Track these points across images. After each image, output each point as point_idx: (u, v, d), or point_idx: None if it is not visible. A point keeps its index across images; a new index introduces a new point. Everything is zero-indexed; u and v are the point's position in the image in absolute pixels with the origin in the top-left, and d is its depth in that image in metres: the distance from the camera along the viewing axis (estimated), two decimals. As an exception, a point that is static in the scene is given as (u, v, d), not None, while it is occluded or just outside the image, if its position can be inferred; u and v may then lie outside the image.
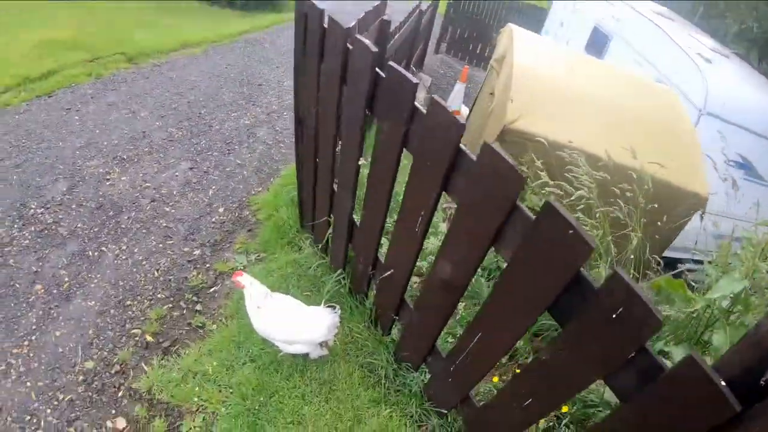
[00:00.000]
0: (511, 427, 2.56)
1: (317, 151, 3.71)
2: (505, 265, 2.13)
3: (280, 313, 3.30)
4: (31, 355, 3.64)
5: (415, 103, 2.40)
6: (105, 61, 8.15)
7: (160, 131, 6.37)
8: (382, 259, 3.31)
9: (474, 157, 2.10)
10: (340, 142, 3.34)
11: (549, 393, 2.21)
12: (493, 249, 2.20)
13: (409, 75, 2.37)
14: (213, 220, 5.08)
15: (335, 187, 3.65)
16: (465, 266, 2.39)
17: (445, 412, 3.13)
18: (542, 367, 2.15)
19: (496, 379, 3.42)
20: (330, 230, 3.98)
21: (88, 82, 7.42)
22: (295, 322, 3.27)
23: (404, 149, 2.61)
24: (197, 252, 4.68)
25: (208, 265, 4.55)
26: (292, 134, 6.45)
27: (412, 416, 3.27)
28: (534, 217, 1.87)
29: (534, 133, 4.11)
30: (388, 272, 3.16)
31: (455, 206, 2.33)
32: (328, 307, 3.33)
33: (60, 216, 4.82)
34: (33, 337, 3.75)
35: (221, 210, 5.22)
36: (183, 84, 7.66)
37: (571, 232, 1.67)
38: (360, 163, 3.11)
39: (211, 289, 4.32)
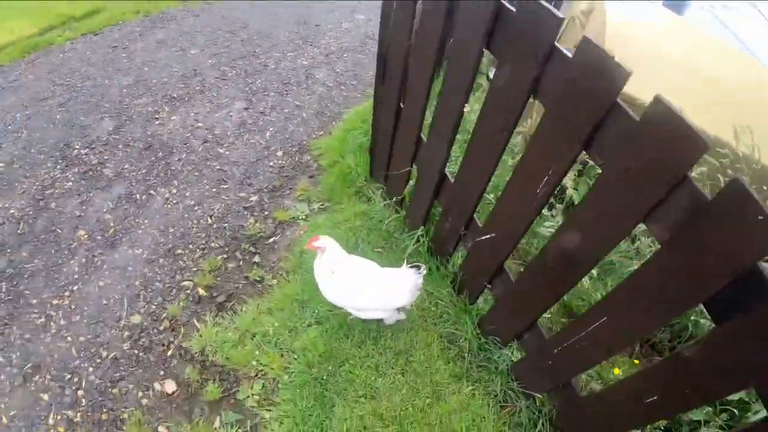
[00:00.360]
0: (619, 424, 2.29)
1: (402, 93, 3.25)
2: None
3: (357, 278, 2.88)
4: (73, 306, 3.34)
5: (557, 43, 1.94)
6: (154, -1, 7.77)
7: (212, 69, 5.95)
8: (478, 220, 2.91)
9: (636, 116, 1.69)
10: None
11: (684, 394, 1.90)
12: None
13: (552, 8, 1.88)
14: (271, 164, 4.65)
15: (422, 135, 3.21)
16: (602, 240, 2.00)
17: (538, 396, 2.79)
18: (683, 365, 1.83)
19: (617, 370, 3.01)
20: (411, 183, 3.56)
21: (136, 19, 7.05)
22: (375, 288, 2.85)
23: (532, 97, 2.17)
24: (254, 198, 4.27)
25: (266, 213, 4.13)
26: (353, 77, 6.19)
27: (495, 395, 2.89)
28: (709, 195, 1.53)
29: (632, 96, 3.58)
30: (488, 236, 2.72)
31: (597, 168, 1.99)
32: (412, 266, 2.87)
33: (105, 157, 4.48)
34: (75, 287, 3.45)
35: (279, 154, 4.79)
36: (235, 22, 7.17)
37: (760, 218, 1.36)
38: (465, 110, 2.62)
39: (270, 240, 3.91)
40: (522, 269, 2.62)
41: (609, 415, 2.32)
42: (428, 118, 3.01)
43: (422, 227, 3.51)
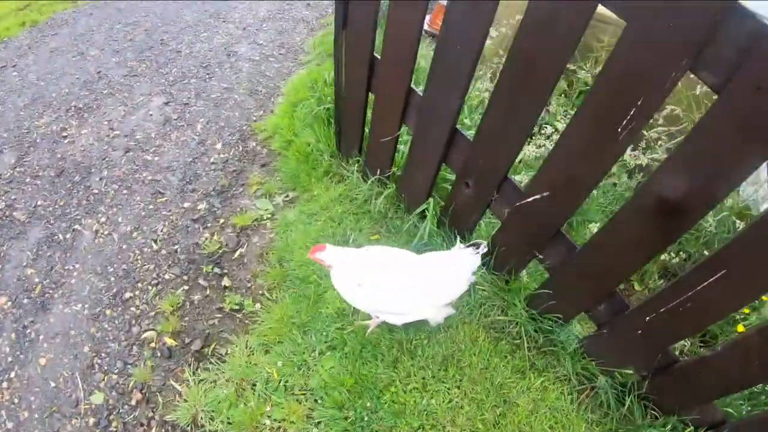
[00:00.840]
0: (732, 385, 1.92)
1: (374, 35, 2.47)
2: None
3: (395, 276, 2.12)
4: (16, 401, 2.44)
5: None
6: (39, 5, 6.61)
7: (118, 68, 4.88)
8: (514, 179, 2.22)
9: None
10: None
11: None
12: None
13: None
14: (211, 160, 3.73)
15: (413, 86, 2.42)
16: (715, 183, 1.49)
17: (631, 371, 2.27)
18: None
19: (741, 327, 2.46)
20: (401, 149, 2.88)
21: (22, 32, 5.89)
22: (422, 282, 2.11)
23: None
24: (202, 206, 3.36)
25: (221, 221, 3.24)
26: (280, 46, 5.26)
27: (569, 381, 2.32)
28: None
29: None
30: (538, 196, 2.04)
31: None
32: (468, 246, 2.17)
33: (12, 197, 3.45)
34: (11, 375, 2.54)
35: (218, 146, 3.86)
36: (135, 12, 6.10)
37: None
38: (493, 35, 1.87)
39: (236, 253, 3.03)
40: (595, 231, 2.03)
41: (720, 377, 1.91)
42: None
43: (428, 200, 2.71)
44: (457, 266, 2.12)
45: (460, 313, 2.45)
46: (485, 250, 2.16)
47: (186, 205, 3.36)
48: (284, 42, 5.34)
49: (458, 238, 2.35)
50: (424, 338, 2.37)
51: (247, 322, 2.65)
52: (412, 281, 2.11)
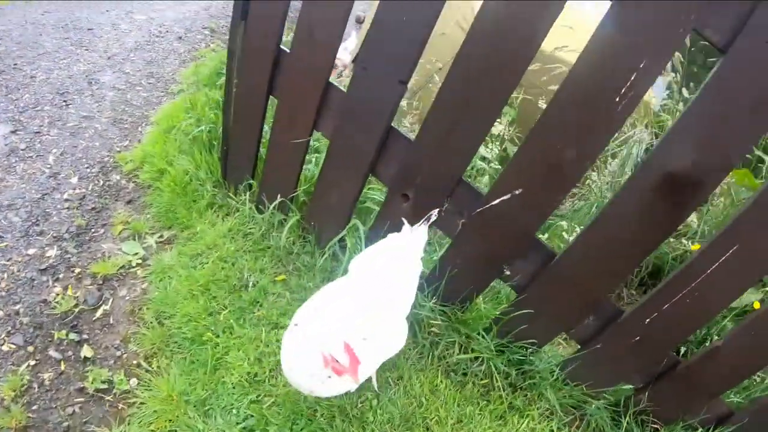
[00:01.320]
0: (737, 377, 1.79)
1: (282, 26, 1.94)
2: None
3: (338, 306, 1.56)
4: None
5: None
6: None
7: (-41, 92, 3.88)
8: (471, 182, 1.90)
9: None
10: None
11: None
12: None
13: None
14: (65, 196, 2.88)
15: (336, 82, 1.94)
16: (727, 150, 1.33)
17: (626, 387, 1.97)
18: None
19: (757, 304, 2.23)
20: (309, 168, 2.36)
21: None
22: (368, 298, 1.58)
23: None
24: (52, 253, 2.51)
25: (77, 271, 2.42)
26: (149, 75, 4.49)
27: (556, 414, 1.95)
28: None
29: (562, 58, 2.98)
30: (508, 196, 1.65)
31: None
32: (420, 224, 1.79)
33: None
34: None
35: (74, 180, 3.01)
36: (-11, 35, 5.07)
37: None
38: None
39: (99, 311, 2.23)
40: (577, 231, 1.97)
41: (729, 368, 1.73)
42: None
43: (353, 223, 2.15)
44: (405, 253, 1.72)
45: (406, 360, 1.91)
46: (435, 217, 1.79)
47: (31, 251, 2.50)
48: (154, 72, 4.62)
49: (404, 221, 1.85)
50: (372, 398, 1.79)
51: (121, 406, 1.88)
52: (354, 304, 1.54)
